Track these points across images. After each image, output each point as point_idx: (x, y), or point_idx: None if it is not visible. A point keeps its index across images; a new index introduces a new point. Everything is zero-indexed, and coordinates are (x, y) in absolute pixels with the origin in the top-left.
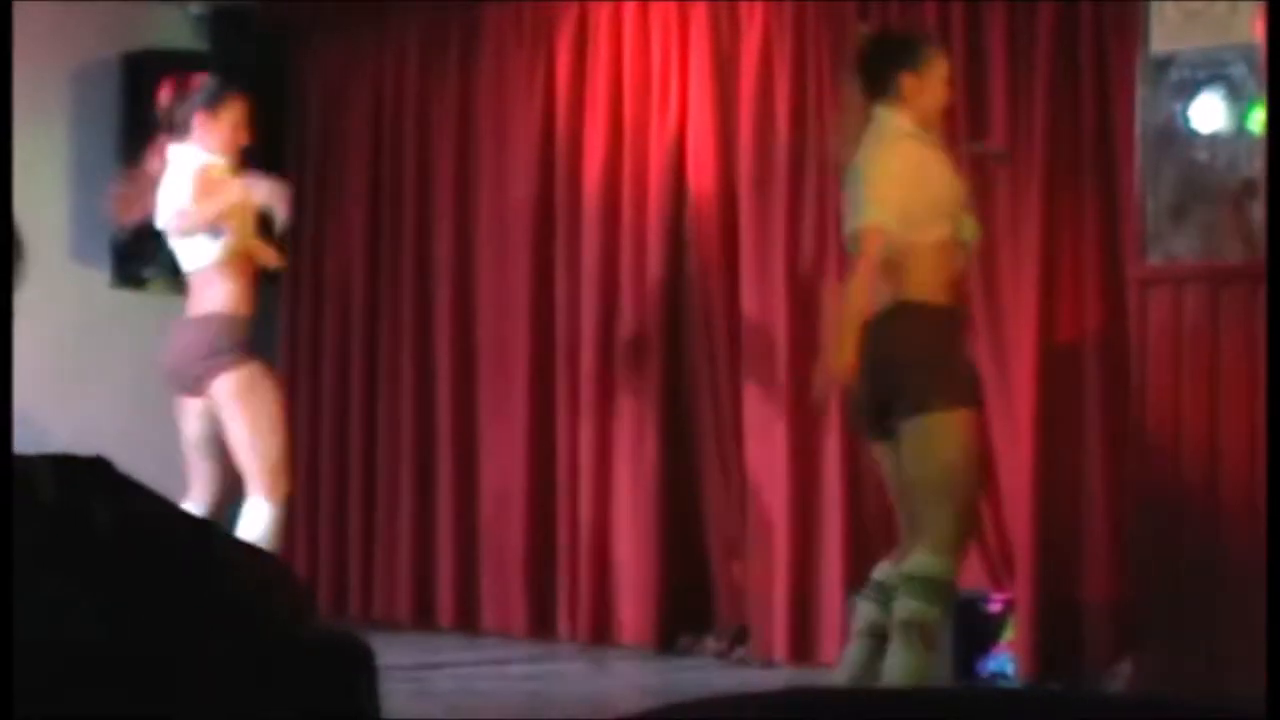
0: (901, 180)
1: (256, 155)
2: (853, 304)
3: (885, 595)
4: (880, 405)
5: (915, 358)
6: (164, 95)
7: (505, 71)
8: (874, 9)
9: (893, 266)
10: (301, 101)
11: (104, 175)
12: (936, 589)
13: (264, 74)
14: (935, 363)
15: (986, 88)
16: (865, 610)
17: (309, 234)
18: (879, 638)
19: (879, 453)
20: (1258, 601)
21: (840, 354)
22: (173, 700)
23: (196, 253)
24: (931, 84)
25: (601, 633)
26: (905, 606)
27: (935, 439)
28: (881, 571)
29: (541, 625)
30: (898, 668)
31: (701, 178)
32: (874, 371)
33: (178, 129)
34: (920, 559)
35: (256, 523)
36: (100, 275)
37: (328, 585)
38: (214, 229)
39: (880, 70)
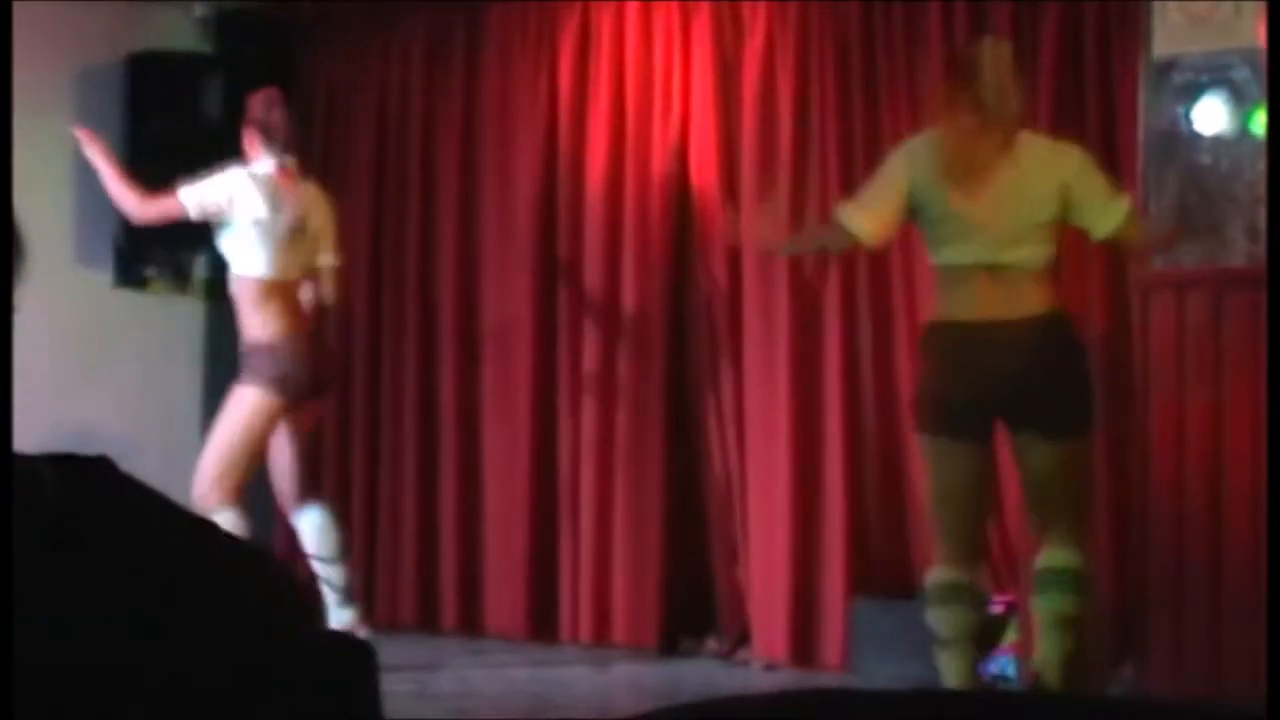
0: None
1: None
2: None
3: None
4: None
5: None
6: (264, 102)
7: (509, 72)
8: (878, 10)
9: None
10: (306, 103)
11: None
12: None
13: (268, 76)
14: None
15: None
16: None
17: None
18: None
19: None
20: (1260, 605)
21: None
22: (174, 702)
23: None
24: None
25: (603, 635)
26: (1069, 601)
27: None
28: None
29: (544, 627)
30: (1059, 655)
31: (705, 178)
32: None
33: (273, 139)
34: (1070, 554)
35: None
36: (103, 276)
37: None
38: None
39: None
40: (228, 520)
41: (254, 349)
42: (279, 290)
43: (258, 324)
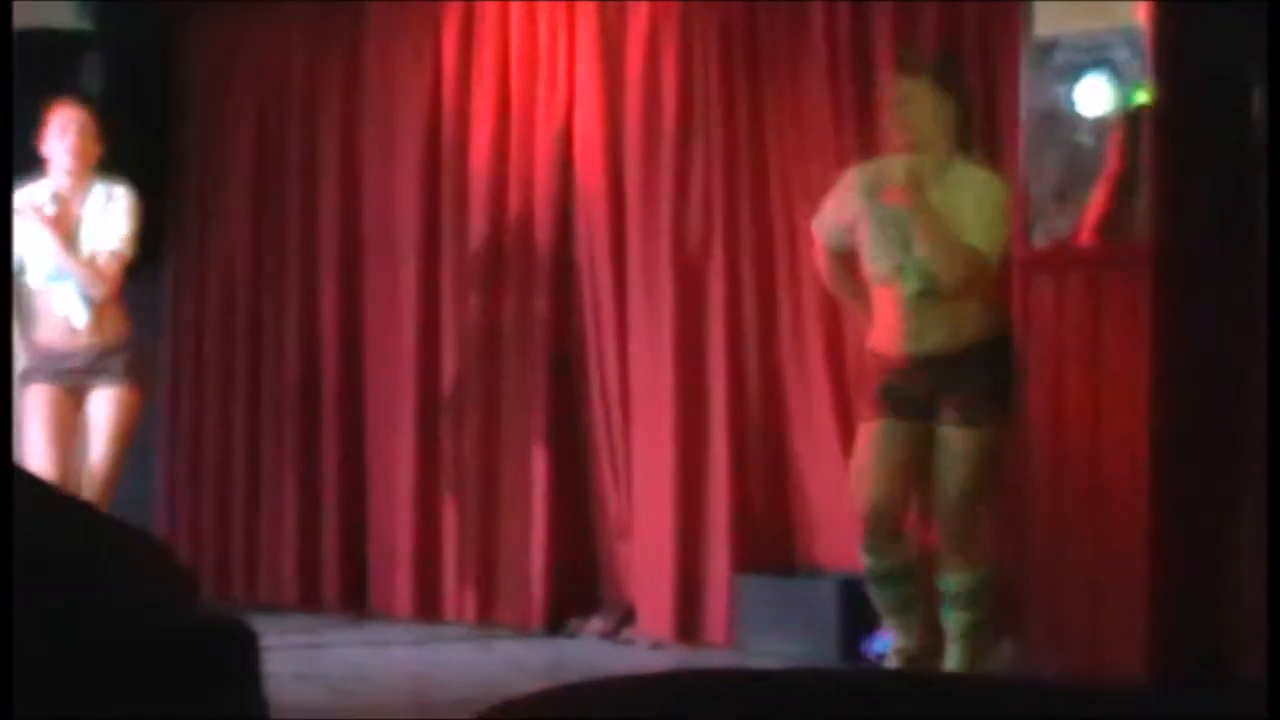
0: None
1: (143, 136)
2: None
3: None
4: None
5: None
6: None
7: (392, 50)
8: (761, 7)
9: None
10: (186, 82)
11: None
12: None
13: (150, 54)
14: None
15: (873, 70)
16: None
17: (193, 218)
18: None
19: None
20: (1138, 581)
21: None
22: (44, 677)
23: None
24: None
25: (488, 614)
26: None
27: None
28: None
29: (428, 606)
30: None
31: (589, 161)
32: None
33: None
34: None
35: None
36: None
37: (212, 567)
38: None
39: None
40: None
41: (127, 344)
42: None
43: (123, 318)
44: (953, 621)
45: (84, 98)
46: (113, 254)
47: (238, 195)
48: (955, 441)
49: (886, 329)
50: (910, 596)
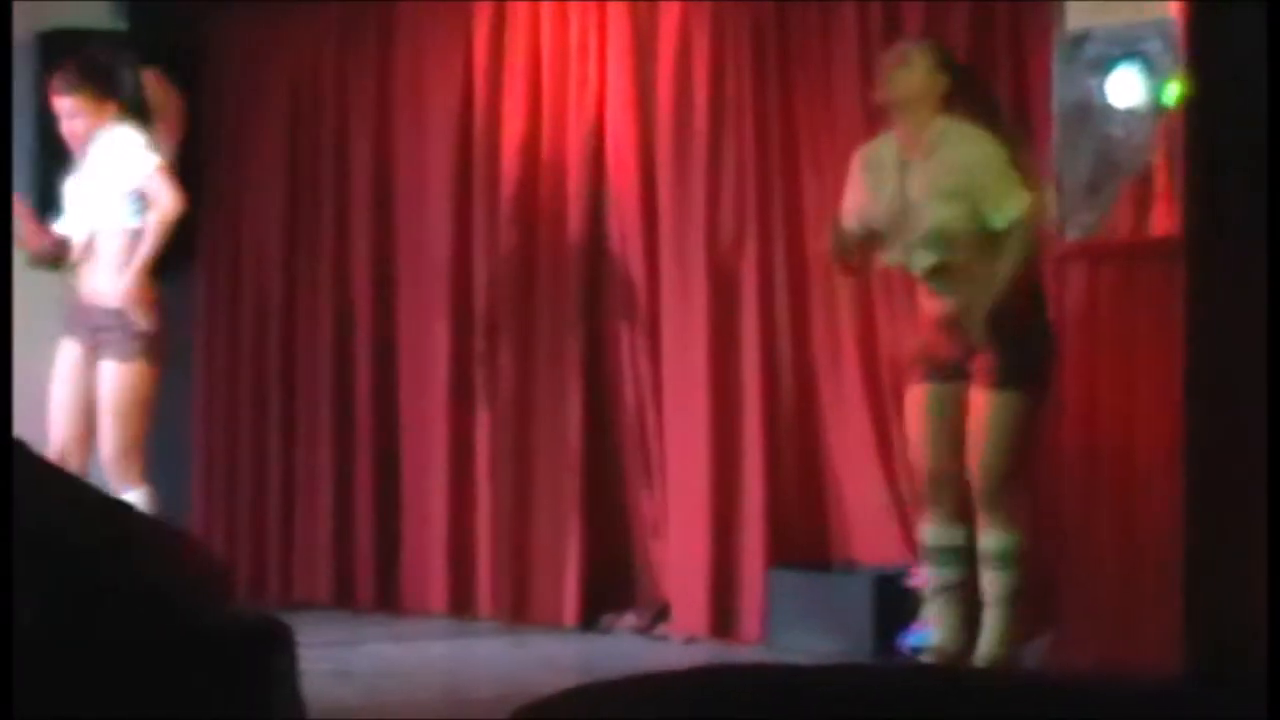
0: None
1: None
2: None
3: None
4: None
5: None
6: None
7: (423, 51)
8: (792, 5)
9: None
10: (217, 80)
11: (21, 155)
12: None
13: (184, 54)
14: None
15: None
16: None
17: (227, 217)
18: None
19: None
20: (1171, 571)
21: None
22: (78, 680)
23: None
24: None
25: (522, 611)
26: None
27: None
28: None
29: (462, 604)
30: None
31: (621, 160)
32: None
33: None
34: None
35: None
36: None
37: (246, 567)
38: None
39: None
40: (144, 498)
41: (150, 313)
42: None
43: (148, 286)
44: (991, 585)
45: (120, 98)
46: (151, 176)
47: (270, 195)
48: (984, 403)
49: (918, 294)
50: (959, 581)
